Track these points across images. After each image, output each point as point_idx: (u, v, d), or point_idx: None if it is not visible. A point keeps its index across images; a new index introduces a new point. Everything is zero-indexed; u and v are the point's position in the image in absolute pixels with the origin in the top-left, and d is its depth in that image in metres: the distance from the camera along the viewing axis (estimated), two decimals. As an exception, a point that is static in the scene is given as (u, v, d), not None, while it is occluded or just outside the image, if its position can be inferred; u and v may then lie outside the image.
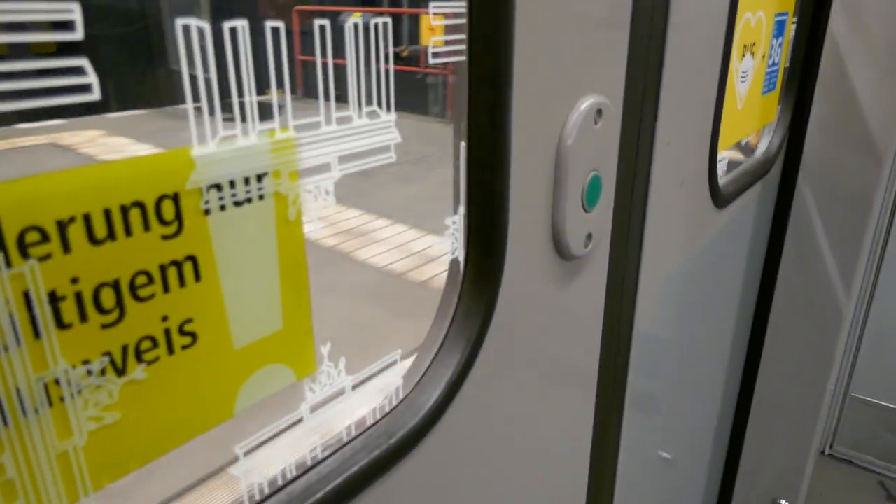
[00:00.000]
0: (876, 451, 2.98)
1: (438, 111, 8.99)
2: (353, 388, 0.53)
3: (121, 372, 0.37)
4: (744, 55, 1.21)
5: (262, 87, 0.39)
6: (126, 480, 0.38)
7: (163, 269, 0.37)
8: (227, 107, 0.38)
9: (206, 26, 0.35)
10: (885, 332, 2.93)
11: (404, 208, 5.84)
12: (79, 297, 0.34)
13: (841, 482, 2.91)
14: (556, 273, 0.73)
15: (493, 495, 0.75)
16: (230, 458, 0.44)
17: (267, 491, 0.48)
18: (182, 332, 0.39)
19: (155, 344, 0.38)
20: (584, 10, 0.66)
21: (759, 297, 1.88)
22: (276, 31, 0.40)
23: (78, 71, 0.31)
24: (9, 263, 0.31)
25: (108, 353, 0.36)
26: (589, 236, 0.74)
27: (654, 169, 0.90)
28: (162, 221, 0.37)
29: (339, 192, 0.45)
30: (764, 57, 1.33)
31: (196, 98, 0.37)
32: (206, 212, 0.39)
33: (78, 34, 0.30)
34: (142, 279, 0.36)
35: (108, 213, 0.34)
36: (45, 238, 0.32)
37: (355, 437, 0.54)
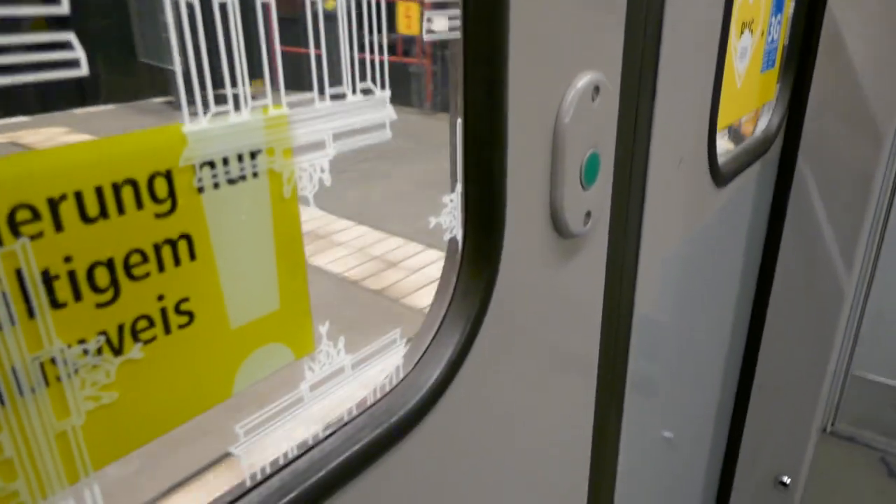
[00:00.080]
0: (877, 428, 2.99)
1: (418, 102, 8.85)
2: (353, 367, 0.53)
3: (117, 351, 0.37)
4: (742, 32, 1.20)
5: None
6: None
7: (157, 247, 0.37)
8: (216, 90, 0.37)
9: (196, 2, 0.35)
10: (886, 310, 2.93)
11: (369, 208, 5.53)
12: (72, 275, 0.34)
13: (843, 459, 2.92)
14: (556, 251, 0.73)
15: (493, 475, 0.75)
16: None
17: (269, 470, 0.48)
18: (178, 311, 0.39)
19: (151, 323, 0.38)
20: None
21: (759, 277, 1.87)
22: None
23: (65, 46, 0.31)
24: (0, 242, 0.30)
25: (104, 333, 0.36)
26: (588, 214, 0.74)
27: (653, 147, 0.90)
28: (155, 199, 0.36)
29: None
30: (763, 34, 1.32)
31: (187, 80, 0.36)
32: (200, 189, 0.38)
33: (64, 8, 0.30)
34: (136, 258, 0.36)
35: (99, 191, 0.34)
36: (36, 216, 0.31)
37: (356, 417, 0.54)
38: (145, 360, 0.38)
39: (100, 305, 0.35)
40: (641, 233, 0.94)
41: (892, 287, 2.88)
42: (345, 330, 0.52)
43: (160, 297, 0.38)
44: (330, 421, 0.53)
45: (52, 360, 0.34)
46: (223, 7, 0.37)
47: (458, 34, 0.55)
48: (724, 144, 1.34)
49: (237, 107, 0.39)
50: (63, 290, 0.33)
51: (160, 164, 0.36)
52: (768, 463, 2.06)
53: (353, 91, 0.47)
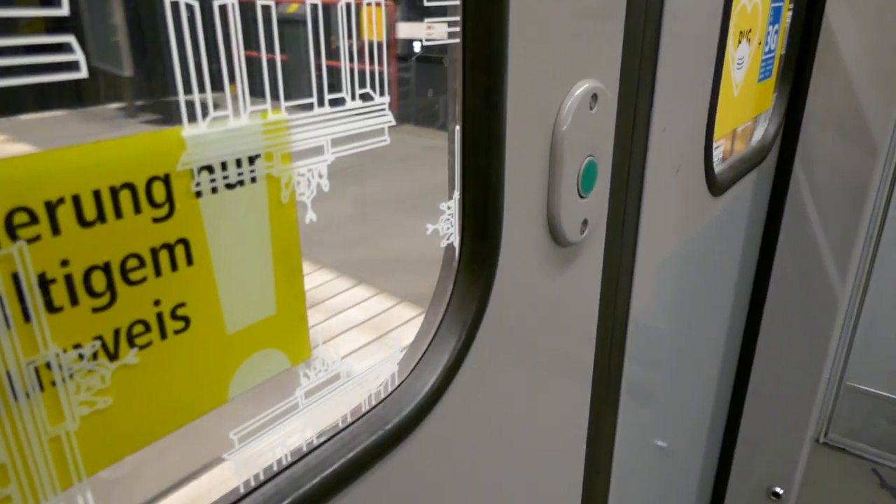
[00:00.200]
0: (870, 438, 3.00)
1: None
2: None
3: (113, 356, 0.36)
4: (740, 42, 1.21)
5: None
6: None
7: (154, 252, 0.37)
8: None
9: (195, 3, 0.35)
10: (880, 321, 2.95)
11: (301, 235, 5.26)
12: (69, 279, 0.33)
13: (835, 470, 2.92)
14: (552, 259, 0.73)
15: (488, 481, 0.75)
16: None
17: (262, 477, 0.48)
18: (174, 316, 0.39)
19: (147, 328, 0.38)
20: None
21: (754, 286, 1.88)
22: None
23: (64, 48, 0.31)
24: (-3, 245, 0.30)
25: (99, 338, 0.35)
26: (584, 222, 0.74)
27: (650, 155, 0.90)
28: (153, 203, 0.36)
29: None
30: (760, 44, 1.33)
31: (186, 81, 0.36)
32: (198, 194, 0.38)
33: (64, 10, 0.30)
34: (133, 262, 0.36)
35: (97, 195, 0.33)
36: (33, 219, 0.31)
37: (352, 423, 0.54)
38: (140, 365, 0.38)
39: (96, 310, 0.35)
40: (638, 241, 0.94)
41: (886, 298, 2.89)
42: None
43: (156, 302, 0.38)
44: (325, 427, 0.53)
45: (48, 365, 0.33)
46: (223, 9, 0.37)
47: (457, 39, 0.55)
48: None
49: (236, 111, 0.39)
50: (59, 294, 0.33)
51: (158, 168, 0.36)
52: (761, 473, 2.06)
53: (353, 97, 0.47)
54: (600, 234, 0.83)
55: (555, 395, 0.84)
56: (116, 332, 0.36)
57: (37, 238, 0.32)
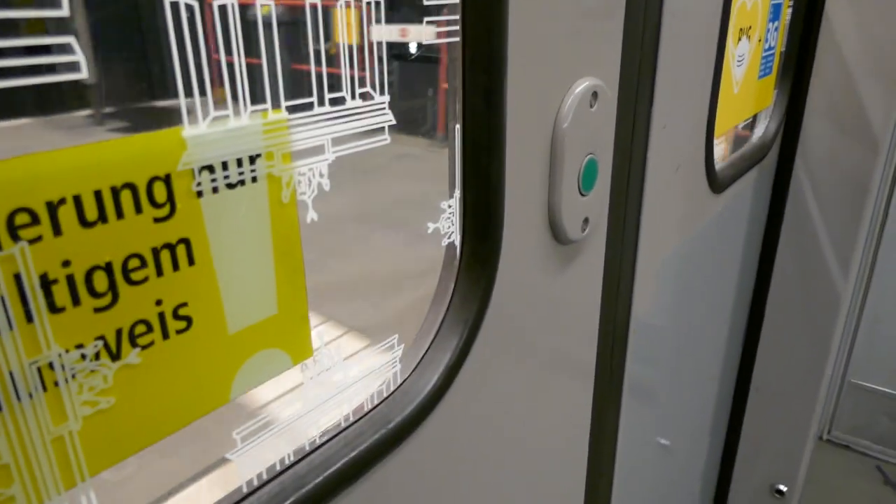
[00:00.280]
0: (873, 435, 3.00)
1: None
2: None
3: (115, 356, 0.36)
4: (740, 39, 1.21)
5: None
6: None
7: (155, 252, 0.37)
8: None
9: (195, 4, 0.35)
10: (882, 318, 2.94)
11: None
12: (71, 280, 0.33)
13: (839, 467, 2.92)
14: (553, 257, 0.73)
15: (491, 480, 0.75)
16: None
17: (265, 476, 0.48)
18: (176, 316, 0.39)
19: (149, 328, 0.38)
20: None
21: (756, 283, 1.88)
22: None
23: (66, 49, 0.31)
24: (-1, 246, 0.30)
25: (101, 338, 0.36)
26: (585, 220, 0.74)
27: (651, 153, 0.90)
28: (154, 204, 0.36)
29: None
30: (760, 41, 1.33)
31: (186, 78, 0.36)
32: (199, 194, 0.38)
33: (64, 11, 0.30)
34: (134, 262, 0.36)
35: (98, 195, 0.33)
36: (34, 220, 0.31)
37: (355, 422, 0.54)
38: (143, 365, 0.38)
39: (98, 310, 0.35)
40: (639, 239, 0.94)
41: (888, 295, 2.89)
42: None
43: (158, 302, 0.38)
44: (328, 426, 0.53)
45: (50, 365, 0.34)
46: (223, 10, 0.37)
47: (457, 38, 0.55)
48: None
49: (236, 112, 0.39)
50: (61, 294, 0.33)
51: (159, 168, 0.36)
52: (764, 470, 2.06)
53: (353, 96, 0.47)
54: (601, 233, 0.83)
55: (557, 393, 0.84)
56: (118, 332, 0.36)
57: (38, 239, 0.32)
